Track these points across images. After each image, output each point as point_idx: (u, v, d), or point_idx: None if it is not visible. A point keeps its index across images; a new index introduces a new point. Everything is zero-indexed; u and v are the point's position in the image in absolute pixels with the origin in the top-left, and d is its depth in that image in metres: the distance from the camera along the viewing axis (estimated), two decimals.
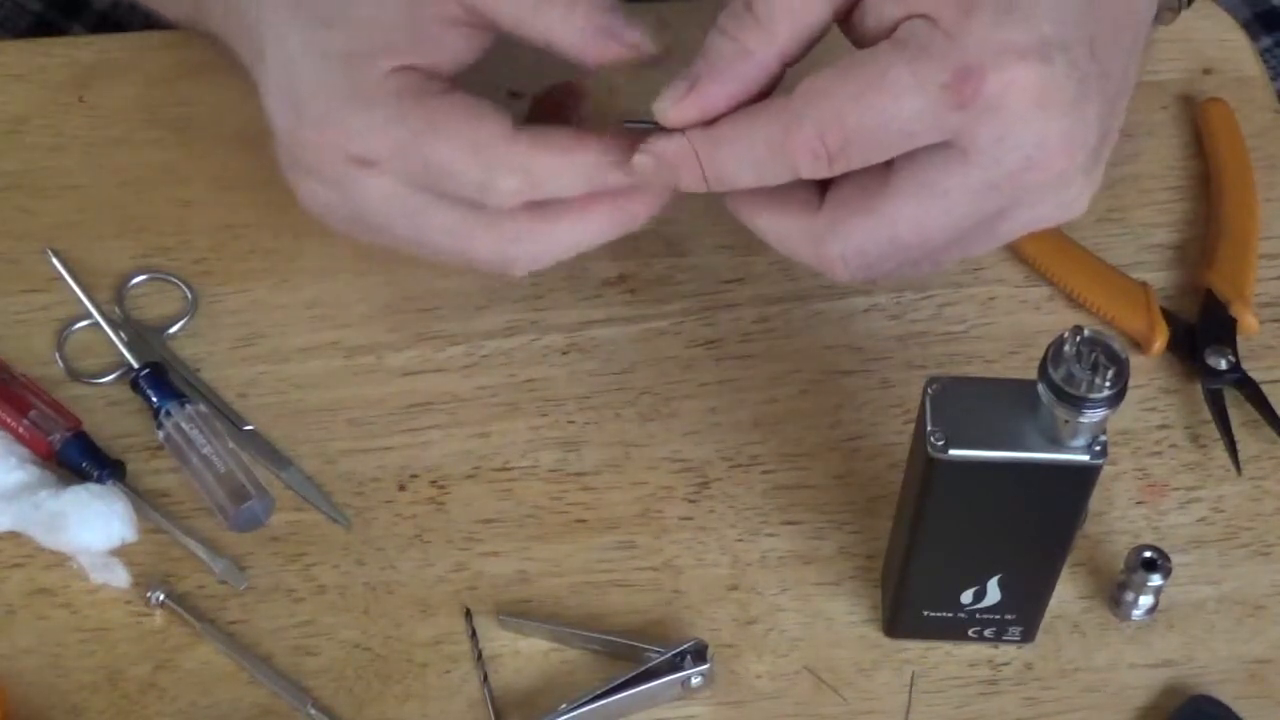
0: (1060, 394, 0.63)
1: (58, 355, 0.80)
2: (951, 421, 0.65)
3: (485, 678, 0.73)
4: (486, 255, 0.72)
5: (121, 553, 0.75)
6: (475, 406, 0.80)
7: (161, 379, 0.78)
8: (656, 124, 0.68)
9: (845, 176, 0.67)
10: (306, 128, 0.70)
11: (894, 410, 0.80)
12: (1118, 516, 0.78)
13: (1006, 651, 0.74)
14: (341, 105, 0.70)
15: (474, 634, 0.74)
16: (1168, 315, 0.82)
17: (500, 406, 0.80)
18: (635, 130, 0.69)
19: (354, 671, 0.73)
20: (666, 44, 0.69)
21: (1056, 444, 0.65)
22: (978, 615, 0.72)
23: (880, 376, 0.81)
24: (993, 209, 0.67)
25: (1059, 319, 0.83)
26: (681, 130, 0.67)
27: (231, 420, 0.79)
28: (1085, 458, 0.65)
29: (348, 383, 0.80)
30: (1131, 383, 0.63)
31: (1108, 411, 0.63)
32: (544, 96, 0.76)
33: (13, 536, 0.76)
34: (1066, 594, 0.75)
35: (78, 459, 0.76)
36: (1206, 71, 0.90)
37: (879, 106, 0.64)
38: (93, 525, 0.75)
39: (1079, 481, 0.66)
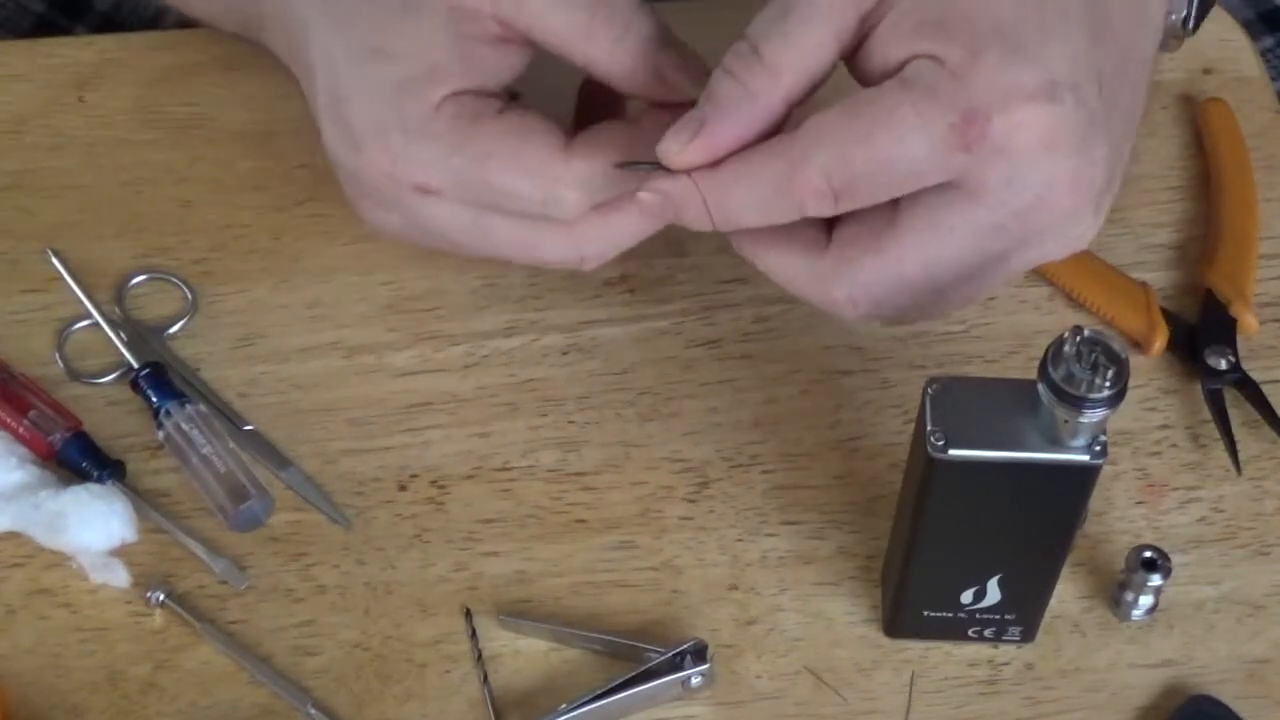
0: (1060, 394, 0.63)
1: (58, 355, 0.80)
2: (951, 421, 0.65)
3: (485, 678, 0.73)
4: (557, 257, 0.73)
5: (121, 553, 0.75)
6: (475, 406, 0.80)
7: (161, 379, 0.78)
8: (657, 165, 0.68)
9: (852, 215, 0.67)
10: (366, 161, 0.71)
11: (894, 410, 0.80)
12: (1118, 516, 0.78)
13: (1006, 651, 0.74)
14: (399, 139, 0.71)
15: (474, 634, 0.74)
16: (1168, 315, 0.82)
17: (500, 406, 0.80)
18: (637, 171, 0.69)
19: (354, 671, 0.73)
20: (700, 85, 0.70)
21: (1056, 444, 0.65)
22: (978, 615, 0.72)
23: (880, 376, 0.81)
24: (1000, 248, 0.67)
25: (1059, 319, 0.83)
26: (687, 172, 0.68)
27: (231, 420, 0.79)
28: (1085, 458, 0.65)
29: (348, 383, 0.80)
30: (1131, 383, 0.63)
31: (1108, 411, 0.63)
32: (586, 92, 0.76)
33: (13, 536, 0.76)
34: (1066, 594, 0.75)
35: (78, 459, 0.76)
36: (1206, 71, 0.90)
37: (885, 147, 0.64)
38: (93, 525, 0.75)
39: (1079, 481, 0.66)
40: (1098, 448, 0.65)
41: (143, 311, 0.82)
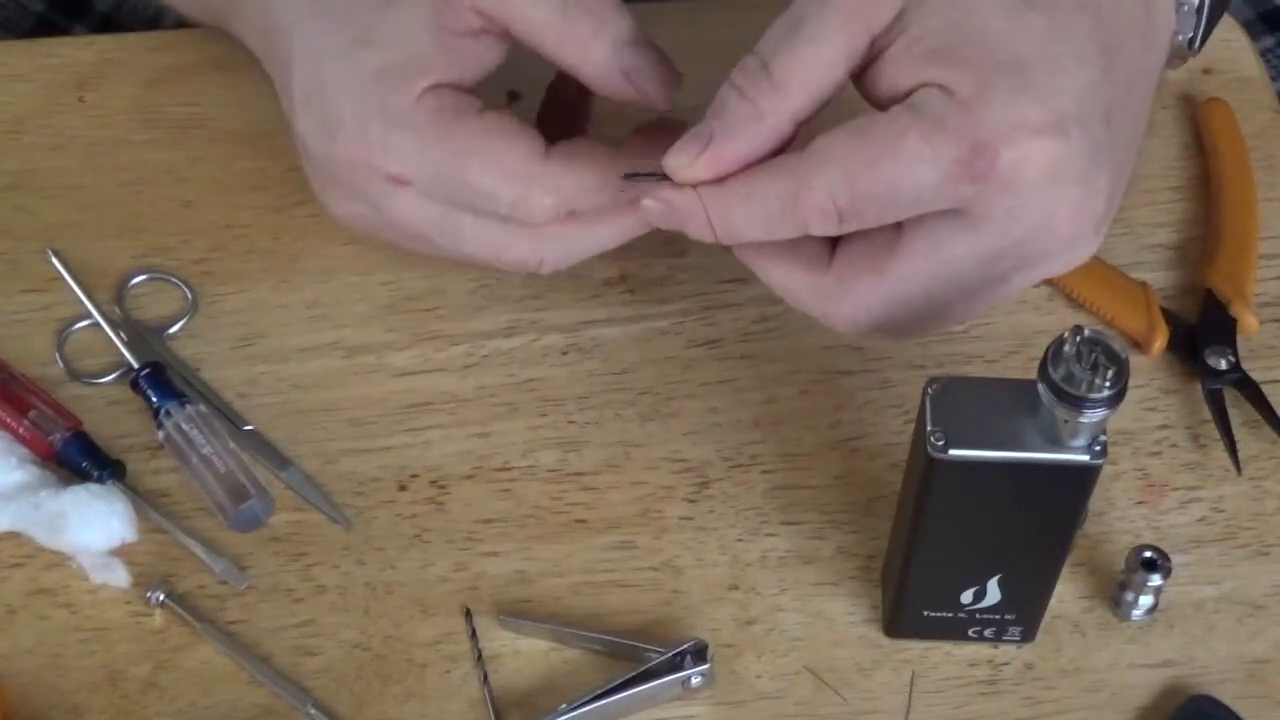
0: (1060, 394, 0.63)
1: (58, 355, 0.80)
2: (951, 421, 0.65)
3: (485, 678, 0.73)
4: (517, 259, 0.74)
5: (121, 553, 0.75)
6: (475, 406, 0.80)
7: (161, 379, 0.78)
8: (660, 175, 0.68)
9: (855, 234, 0.68)
10: (341, 147, 0.72)
11: (894, 410, 0.80)
12: (1118, 516, 0.78)
13: (1006, 651, 0.74)
14: (378, 127, 0.71)
15: (474, 634, 0.74)
16: (1168, 315, 0.82)
17: (500, 406, 0.80)
18: (640, 181, 0.69)
19: (354, 671, 0.73)
20: (672, 98, 0.71)
21: (1056, 444, 0.65)
22: (978, 615, 0.72)
23: (880, 376, 0.81)
24: (1000, 271, 0.68)
25: (1059, 319, 0.83)
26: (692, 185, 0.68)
27: (231, 420, 0.79)
28: (1085, 458, 0.65)
29: (348, 383, 0.80)
30: (1131, 383, 0.63)
31: (1108, 411, 0.63)
32: (555, 90, 0.76)
33: (13, 536, 0.76)
34: (1066, 594, 0.75)
35: (78, 459, 0.76)
36: (1206, 71, 0.90)
37: (892, 173, 0.64)
38: (93, 525, 0.75)
39: (1079, 481, 0.66)
40: (1098, 448, 0.65)
41: (143, 311, 0.82)
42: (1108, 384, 0.63)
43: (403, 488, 0.78)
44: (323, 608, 0.75)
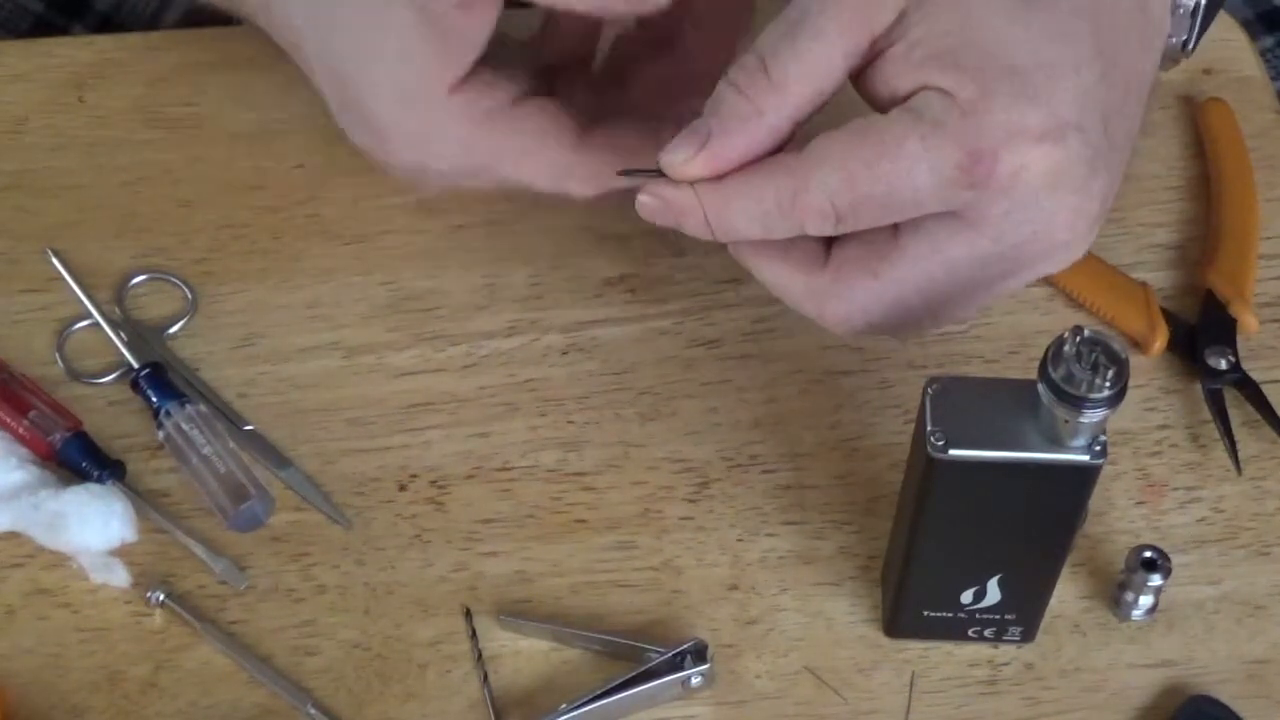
0: (1060, 394, 0.63)
1: (58, 355, 0.80)
2: (951, 421, 0.65)
3: (485, 678, 0.73)
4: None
5: (121, 553, 0.75)
6: (475, 406, 0.80)
7: (161, 379, 0.78)
8: (660, 172, 0.68)
9: (851, 235, 0.68)
10: (381, 154, 0.75)
11: (894, 410, 0.80)
12: (1118, 516, 0.78)
13: (1006, 651, 0.74)
14: (415, 140, 0.73)
15: (474, 634, 0.74)
16: (1168, 315, 0.82)
17: (500, 406, 0.80)
18: (636, 177, 0.69)
19: (354, 671, 0.73)
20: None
21: (1056, 444, 0.65)
22: (978, 615, 0.72)
23: (880, 376, 0.81)
24: (995, 274, 0.68)
25: (1059, 319, 0.83)
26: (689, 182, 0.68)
27: (231, 420, 0.79)
28: (1085, 458, 0.65)
29: (348, 383, 0.80)
30: (1131, 383, 0.63)
31: (1108, 411, 0.63)
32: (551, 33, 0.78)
33: (13, 536, 0.76)
34: (1066, 594, 0.75)
35: (78, 459, 0.76)
36: (1206, 71, 0.90)
37: (890, 175, 0.65)
38: (93, 525, 0.75)
39: (1079, 481, 0.66)
40: (1098, 448, 0.65)
41: (143, 311, 0.82)
42: (1108, 384, 0.63)
43: (403, 488, 0.78)
44: (323, 608, 0.75)
